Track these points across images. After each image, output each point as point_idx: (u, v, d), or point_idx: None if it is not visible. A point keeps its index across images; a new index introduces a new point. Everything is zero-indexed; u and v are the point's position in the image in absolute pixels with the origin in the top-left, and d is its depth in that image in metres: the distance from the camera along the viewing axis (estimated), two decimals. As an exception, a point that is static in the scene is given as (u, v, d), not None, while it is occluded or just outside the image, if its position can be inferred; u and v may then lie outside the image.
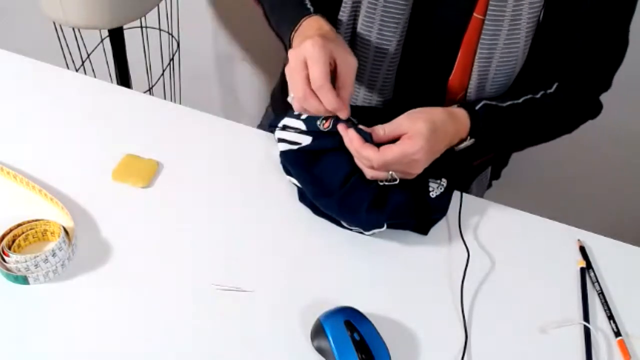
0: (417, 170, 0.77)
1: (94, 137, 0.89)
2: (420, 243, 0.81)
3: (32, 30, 1.77)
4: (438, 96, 0.94)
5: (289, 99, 0.78)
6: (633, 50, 0.90)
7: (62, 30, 1.47)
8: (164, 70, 1.69)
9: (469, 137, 0.83)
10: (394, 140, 0.77)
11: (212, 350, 0.68)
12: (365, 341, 0.67)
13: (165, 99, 1.32)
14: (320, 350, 0.68)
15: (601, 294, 0.77)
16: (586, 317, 0.75)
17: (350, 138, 0.76)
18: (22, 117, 0.91)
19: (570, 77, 0.90)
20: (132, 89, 1.17)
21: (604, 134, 1.46)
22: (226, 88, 1.90)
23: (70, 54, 1.53)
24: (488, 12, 0.83)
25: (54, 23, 1.41)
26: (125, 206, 0.81)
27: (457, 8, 0.86)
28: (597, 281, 0.78)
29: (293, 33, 0.82)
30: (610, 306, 0.76)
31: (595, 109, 0.95)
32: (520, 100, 0.87)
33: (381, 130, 0.77)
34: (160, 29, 1.60)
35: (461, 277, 0.77)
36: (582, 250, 0.82)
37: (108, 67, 1.57)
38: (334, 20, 0.88)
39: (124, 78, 1.54)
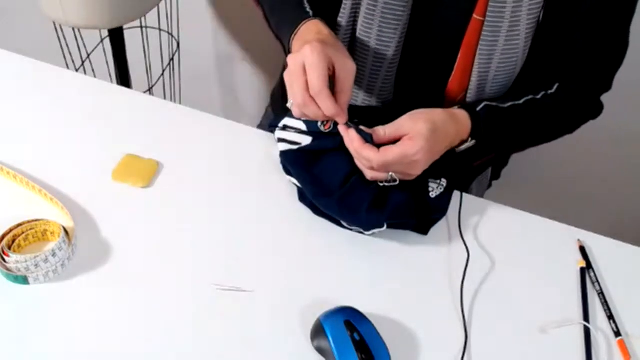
0: (417, 171, 0.78)
1: (94, 137, 0.89)
2: (420, 243, 0.81)
3: (32, 30, 1.77)
4: (438, 97, 0.94)
5: (289, 105, 0.78)
6: (633, 51, 0.90)
7: (62, 30, 1.47)
8: (164, 70, 1.69)
9: (470, 139, 0.83)
10: (394, 141, 0.77)
11: (212, 350, 0.68)
12: (365, 341, 0.67)
13: (165, 99, 1.32)
14: (320, 350, 0.68)
15: (601, 294, 0.77)
16: (586, 317, 0.75)
17: (351, 138, 0.76)
18: (22, 117, 0.91)
19: (570, 77, 0.90)
20: (132, 89, 1.17)
21: (604, 134, 1.46)
22: (226, 88, 1.90)
23: (70, 54, 1.53)
24: (488, 13, 0.83)
25: (54, 23, 1.41)
26: (125, 206, 0.81)
27: (456, 9, 0.86)
28: (597, 281, 0.78)
29: (292, 37, 0.82)
30: (610, 306, 0.76)
31: (596, 110, 0.95)
32: (521, 101, 0.87)
33: (382, 131, 0.77)
34: (160, 29, 1.60)
35: (461, 277, 0.77)
36: (582, 250, 0.82)
37: (108, 67, 1.57)
38: (333, 24, 0.88)
39: (124, 78, 1.54)
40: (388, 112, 0.86)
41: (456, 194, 0.86)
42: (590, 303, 0.76)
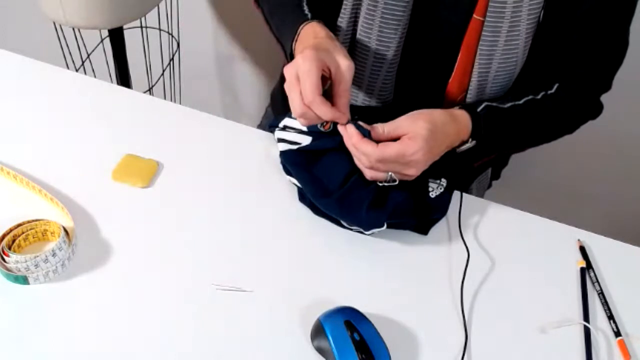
0: (416, 172, 0.77)
1: (94, 137, 0.89)
2: (420, 243, 0.81)
3: (32, 30, 1.78)
4: (438, 98, 0.94)
5: (293, 116, 0.79)
6: (633, 51, 0.90)
7: (62, 30, 1.47)
8: (164, 70, 1.69)
9: (470, 139, 0.83)
10: (393, 140, 0.77)
11: (212, 350, 0.68)
12: (365, 341, 0.67)
13: (165, 99, 1.32)
14: (320, 350, 0.68)
15: (601, 294, 0.77)
16: (586, 317, 0.75)
17: (349, 134, 0.76)
18: (22, 117, 0.91)
19: (570, 77, 0.90)
20: (132, 89, 1.17)
21: (604, 134, 1.46)
22: (226, 88, 1.90)
23: (70, 54, 1.53)
24: (488, 13, 0.83)
25: (54, 23, 1.41)
26: (125, 206, 0.81)
27: (456, 9, 0.86)
28: (597, 281, 0.78)
29: (294, 44, 0.83)
30: (610, 306, 0.76)
31: (596, 110, 0.95)
32: (522, 102, 0.87)
33: (381, 129, 0.77)
34: (160, 29, 1.60)
35: (461, 277, 0.77)
36: (582, 250, 0.82)
37: (108, 67, 1.57)
38: (333, 25, 0.88)
39: (124, 78, 1.54)
40: (388, 112, 0.86)
41: (456, 194, 0.86)
42: (590, 303, 0.76)
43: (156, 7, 1.46)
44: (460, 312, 0.74)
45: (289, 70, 0.75)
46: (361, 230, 0.80)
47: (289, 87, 0.75)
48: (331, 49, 0.77)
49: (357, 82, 0.93)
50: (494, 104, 0.85)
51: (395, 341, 0.70)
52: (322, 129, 0.82)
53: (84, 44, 1.54)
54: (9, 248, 0.73)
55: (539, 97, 0.88)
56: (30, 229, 0.75)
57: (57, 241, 0.72)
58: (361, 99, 0.95)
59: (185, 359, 0.67)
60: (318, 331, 0.68)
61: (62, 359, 0.66)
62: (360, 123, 0.77)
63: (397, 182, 0.79)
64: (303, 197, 0.83)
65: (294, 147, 0.85)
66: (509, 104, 0.86)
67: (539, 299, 0.77)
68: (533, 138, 0.93)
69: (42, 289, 0.72)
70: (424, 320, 0.73)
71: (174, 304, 0.72)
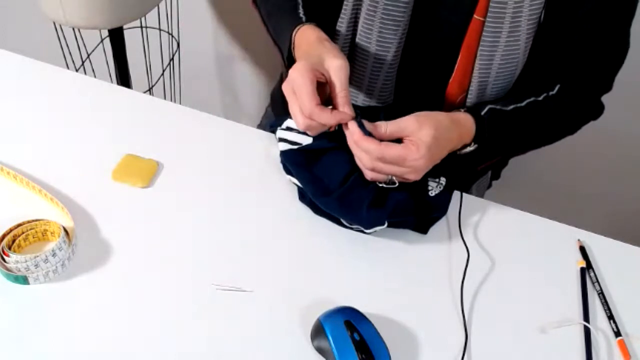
0: (416, 177, 0.77)
1: (94, 137, 0.89)
2: (420, 242, 0.81)
3: (32, 30, 1.78)
4: (438, 98, 0.94)
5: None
6: (633, 52, 0.90)
7: (62, 30, 1.47)
8: (164, 70, 1.69)
9: (472, 143, 0.83)
10: (395, 141, 0.77)
11: (212, 350, 0.68)
12: (365, 341, 0.67)
13: (165, 99, 1.32)
14: (320, 350, 0.68)
15: (601, 294, 0.77)
16: (586, 317, 0.75)
17: (351, 131, 0.76)
18: (22, 117, 0.91)
19: (571, 78, 0.90)
20: (132, 89, 1.17)
21: (604, 134, 1.47)
22: (226, 88, 1.90)
23: (70, 54, 1.53)
24: (488, 13, 0.83)
25: (54, 23, 1.41)
26: (125, 206, 0.81)
27: (457, 10, 0.86)
28: (597, 281, 0.78)
29: (293, 52, 0.83)
30: (610, 306, 0.76)
31: (597, 110, 0.95)
32: (524, 104, 0.87)
33: (383, 128, 0.76)
34: (160, 29, 1.60)
35: (461, 277, 0.77)
36: (582, 250, 0.82)
37: (108, 67, 1.58)
38: (332, 29, 0.88)
39: (124, 78, 1.54)
40: (388, 112, 0.86)
41: (456, 194, 0.86)
42: (590, 303, 0.76)
43: (156, 7, 1.46)
44: (460, 312, 0.74)
45: (285, 88, 0.76)
46: (362, 229, 0.80)
47: (290, 104, 0.76)
48: (322, 52, 0.77)
49: (357, 84, 0.93)
50: (497, 106, 0.85)
51: (395, 341, 0.70)
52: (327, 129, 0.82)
53: (84, 44, 1.54)
54: (9, 248, 0.73)
55: (540, 98, 0.88)
56: (30, 229, 0.75)
57: (57, 241, 0.72)
58: (361, 100, 0.95)
59: (185, 359, 0.67)
60: (318, 331, 0.68)
61: (62, 359, 0.66)
62: (364, 121, 0.77)
63: (396, 185, 0.79)
64: (303, 197, 0.83)
65: (295, 147, 0.85)
66: (511, 107, 0.86)
67: (539, 299, 0.77)
68: (536, 140, 0.93)
69: (42, 289, 0.72)
70: (424, 320, 0.73)
71: (174, 304, 0.72)
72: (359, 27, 0.88)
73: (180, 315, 0.71)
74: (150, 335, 0.69)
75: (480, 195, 1.14)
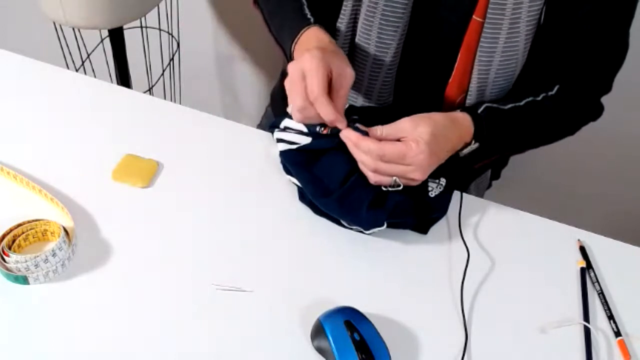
0: (420, 175, 0.77)
1: (94, 137, 0.89)
2: (420, 243, 0.81)
3: (32, 30, 1.78)
4: (437, 99, 0.94)
5: (289, 110, 0.79)
6: (633, 52, 0.90)
7: (62, 30, 1.47)
8: (164, 70, 1.69)
9: (473, 141, 0.83)
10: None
11: (212, 350, 0.68)
12: (365, 341, 0.67)
13: (165, 99, 1.32)
14: (320, 350, 0.68)
15: (601, 294, 0.77)
16: (586, 317, 0.75)
17: (348, 136, 0.76)
18: (22, 117, 0.91)
19: (570, 79, 0.90)
20: (132, 89, 1.17)
21: (604, 134, 1.46)
22: (226, 88, 1.90)
23: (70, 54, 1.53)
24: (487, 14, 0.83)
25: (54, 23, 1.41)
26: (125, 206, 0.81)
27: (456, 11, 0.86)
28: (597, 281, 0.78)
29: (294, 46, 0.83)
30: (610, 306, 0.76)
31: (596, 111, 0.95)
32: (522, 103, 0.87)
33: (379, 131, 0.77)
34: (160, 29, 1.60)
35: (461, 277, 0.77)
36: (582, 250, 0.82)
37: (108, 67, 1.58)
38: (332, 28, 0.88)
39: (124, 78, 1.54)
40: (387, 113, 0.86)
41: (456, 194, 0.86)
42: (590, 303, 0.76)
43: (156, 7, 1.46)
44: (460, 312, 0.74)
45: (294, 66, 0.75)
46: (361, 229, 0.80)
47: (292, 83, 0.75)
48: (336, 52, 0.77)
49: (356, 84, 0.93)
50: (495, 105, 0.85)
51: (395, 341, 0.70)
52: (321, 131, 0.82)
53: (84, 44, 1.54)
54: (9, 248, 0.73)
55: (539, 98, 0.88)
56: (30, 229, 0.75)
57: (57, 241, 0.72)
58: (360, 101, 0.95)
59: (185, 359, 0.67)
60: (318, 331, 0.68)
61: (62, 359, 0.66)
62: (358, 125, 0.77)
63: (401, 187, 0.78)
64: (303, 197, 0.83)
65: (293, 146, 0.85)
66: (509, 105, 0.86)
67: (539, 299, 0.77)
68: (534, 139, 0.93)
69: (42, 289, 0.72)
70: (424, 320, 0.73)
71: (174, 304, 0.72)
72: (359, 28, 0.88)
73: (180, 315, 0.71)
74: (150, 335, 0.69)
75: (480, 195, 1.14)
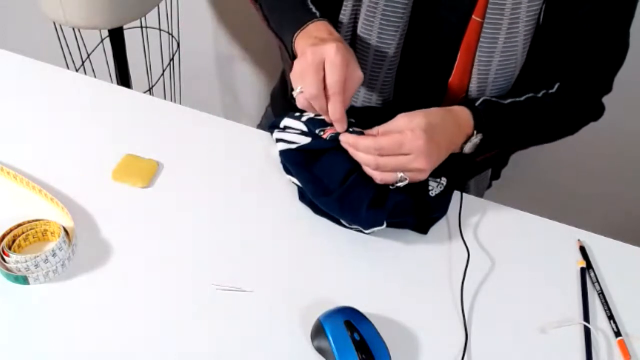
0: (423, 163, 0.76)
1: (94, 137, 0.89)
2: (420, 243, 0.81)
3: (32, 30, 1.78)
4: (438, 97, 0.94)
5: (295, 93, 0.78)
6: (633, 52, 0.90)
7: (62, 30, 1.47)
8: (164, 70, 1.69)
9: (475, 132, 0.82)
10: None
11: (212, 350, 0.68)
12: (365, 341, 0.67)
13: (165, 99, 1.32)
14: (320, 350, 0.68)
15: (601, 294, 0.77)
16: (586, 317, 0.75)
17: (346, 140, 0.77)
18: (22, 117, 0.91)
19: (570, 79, 0.90)
20: (132, 89, 1.17)
21: (604, 134, 1.46)
22: (226, 88, 1.90)
23: (70, 54, 1.53)
24: (487, 14, 0.83)
25: (54, 23, 1.41)
26: (125, 206, 0.81)
27: (456, 10, 0.87)
28: (597, 281, 0.78)
29: (298, 32, 0.82)
30: (610, 306, 0.76)
31: (597, 111, 0.95)
32: (522, 98, 0.87)
33: (374, 131, 0.77)
34: (160, 29, 1.60)
35: (461, 277, 0.77)
36: (582, 250, 0.82)
37: (108, 67, 1.58)
38: (334, 22, 0.88)
39: (124, 78, 1.54)
40: (388, 112, 0.86)
41: (456, 194, 0.86)
42: (590, 303, 0.76)
43: (156, 7, 1.46)
44: (460, 312, 0.74)
45: (314, 52, 0.75)
46: (361, 229, 0.80)
47: (310, 67, 0.74)
48: (353, 54, 0.78)
49: None
50: (494, 99, 0.85)
51: (395, 341, 0.70)
52: (320, 134, 0.82)
53: (84, 44, 1.54)
54: (9, 248, 0.73)
55: (539, 95, 0.88)
56: (30, 229, 0.75)
57: (57, 241, 0.72)
58: (361, 98, 0.95)
59: (185, 359, 0.67)
60: (318, 331, 0.68)
61: (62, 359, 0.66)
62: (354, 129, 0.78)
63: (407, 181, 0.78)
64: (303, 196, 0.83)
65: (293, 146, 0.84)
66: (509, 100, 0.86)
67: (539, 299, 0.77)
68: (534, 134, 0.92)
69: (42, 289, 0.72)
70: (424, 320, 0.73)
71: (174, 304, 0.72)
72: (359, 28, 0.88)
73: (180, 315, 0.71)
74: (150, 335, 0.69)
75: (480, 195, 1.14)
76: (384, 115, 0.83)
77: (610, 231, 0.88)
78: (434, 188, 0.84)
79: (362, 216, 0.78)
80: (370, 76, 0.91)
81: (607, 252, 0.82)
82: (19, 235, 0.74)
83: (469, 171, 1.06)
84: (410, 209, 0.80)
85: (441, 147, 0.78)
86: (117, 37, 1.44)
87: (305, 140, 0.84)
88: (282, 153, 0.85)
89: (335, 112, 0.75)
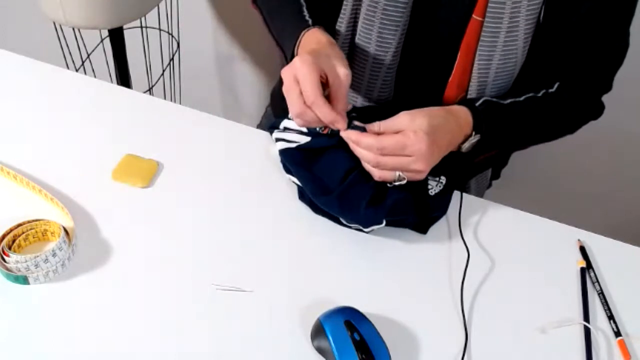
0: (423, 166, 0.76)
1: (94, 137, 0.89)
2: (420, 242, 0.81)
3: (32, 30, 1.78)
4: (438, 98, 0.94)
5: (290, 116, 0.79)
6: (633, 51, 0.90)
7: (62, 30, 1.47)
8: (164, 70, 1.69)
9: (473, 133, 0.82)
10: None
11: (212, 350, 0.68)
12: (365, 341, 0.67)
13: (165, 99, 1.32)
14: (320, 350, 0.68)
15: (601, 294, 0.77)
16: (586, 317, 0.75)
17: (348, 136, 0.77)
18: (22, 117, 0.91)
19: (570, 78, 0.90)
20: (132, 89, 1.17)
21: (604, 134, 1.46)
22: (226, 88, 1.90)
23: (70, 54, 1.53)
24: (487, 13, 0.83)
25: (54, 23, 1.41)
26: (125, 206, 0.81)
27: (456, 10, 0.87)
28: (597, 281, 0.78)
29: (296, 50, 0.83)
30: (610, 306, 0.76)
31: (597, 110, 0.95)
32: (522, 98, 0.87)
33: (376, 126, 0.77)
34: (160, 29, 1.60)
35: (461, 277, 0.77)
36: (582, 250, 0.82)
37: (108, 67, 1.58)
38: (332, 29, 0.88)
39: (124, 78, 1.54)
40: (388, 111, 0.86)
41: (456, 194, 0.86)
42: (590, 303, 0.76)
43: (156, 7, 1.46)
44: (460, 312, 0.74)
45: (287, 72, 0.76)
46: (360, 227, 0.80)
47: (288, 88, 0.76)
48: (331, 55, 0.77)
49: (356, 84, 0.93)
50: (494, 99, 0.86)
51: (395, 341, 0.70)
52: (321, 132, 0.82)
53: (84, 44, 1.54)
54: (9, 248, 0.73)
55: (539, 94, 0.88)
56: (30, 229, 0.75)
57: (57, 241, 0.72)
58: (360, 101, 0.95)
59: (185, 359, 0.67)
60: (318, 331, 0.68)
61: (62, 359, 0.66)
62: (356, 123, 0.77)
63: (405, 181, 0.78)
64: (303, 196, 0.83)
65: (293, 145, 0.85)
66: (509, 100, 0.86)
67: (539, 299, 0.77)
68: (534, 134, 0.92)
69: (42, 289, 0.72)
70: (424, 320, 0.73)
71: (174, 303, 0.72)
72: (359, 27, 0.88)
73: (181, 315, 0.71)
74: (150, 335, 0.69)
75: (480, 195, 1.14)
76: (384, 114, 0.83)
77: (610, 231, 0.88)
78: (434, 187, 0.84)
79: (361, 215, 0.77)
80: (370, 76, 0.91)
81: (607, 252, 0.82)
82: (19, 235, 0.74)
83: (469, 171, 1.06)
84: (409, 208, 0.80)
85: (441, 148, 0.79)
86: (117, 37, 1.44)
87: (305, 139, 0.84)
88: (282, 152, 0.85)
89: (325, 117, 0.74)
